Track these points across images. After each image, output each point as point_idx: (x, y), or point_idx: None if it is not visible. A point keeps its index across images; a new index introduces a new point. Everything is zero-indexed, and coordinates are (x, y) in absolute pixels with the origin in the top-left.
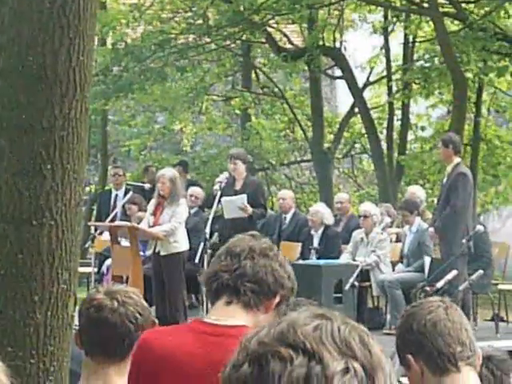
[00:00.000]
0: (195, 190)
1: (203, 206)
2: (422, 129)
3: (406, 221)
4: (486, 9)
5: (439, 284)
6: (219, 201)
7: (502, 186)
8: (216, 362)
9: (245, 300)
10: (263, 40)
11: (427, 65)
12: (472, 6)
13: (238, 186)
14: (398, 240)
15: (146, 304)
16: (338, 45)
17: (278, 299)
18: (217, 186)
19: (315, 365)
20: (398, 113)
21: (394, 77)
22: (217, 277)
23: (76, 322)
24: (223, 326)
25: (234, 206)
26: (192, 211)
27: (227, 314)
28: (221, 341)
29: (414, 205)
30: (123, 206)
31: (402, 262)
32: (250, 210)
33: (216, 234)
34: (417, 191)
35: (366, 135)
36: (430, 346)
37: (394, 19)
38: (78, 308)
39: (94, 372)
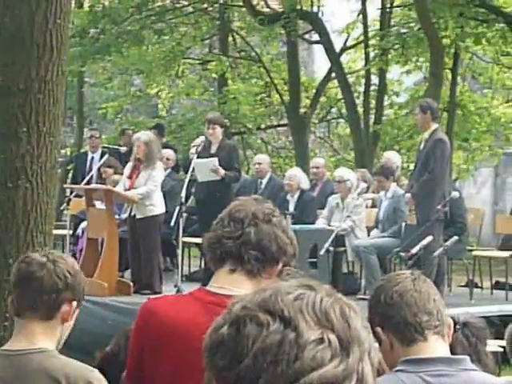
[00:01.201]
0: (167, 152)
1: (177, 167)
2: (397, 95)
3: (382, 186)
4: None
5: (414, 249)
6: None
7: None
8: None
9: (248, 268)
10: (240, 3)
11: (404, 31)
12: None
13: (213, 150)
14: (373, 205)
15: (80, 273)
16: (315, 9)
17: (280, 265)
18: (193, 150)
19: (290, 332)
20: (375, 78)
21: (371, 42)
22: (220, 243)
23: None
24: (227, 295)
25: (206, 168)
26: (165, 173)
27: (231, 283)
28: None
29: (389, 170)
30: (99, 169)
31: (377, 228)
32: (222, 172)
33: (192, 197)
34: (392, 157)
35: (342, 100)
36: (397, 316)
37: None
38: None
39: (20, 329)
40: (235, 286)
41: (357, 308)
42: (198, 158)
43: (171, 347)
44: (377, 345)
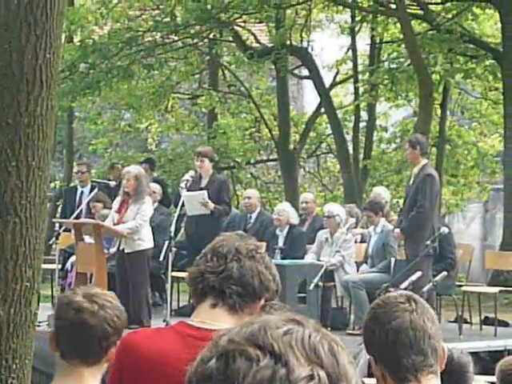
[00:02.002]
0: (152, 186)
1: (164, 201)
2: (385, 130)
3: (371, 221)
4: (453, 11)
5: (403, 285)
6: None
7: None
8: None
9: (230, 303)
10: (230, 38)
11: (394, 66)
12: (439, 7)
13: (203, 184)
14: (362, 241)
15: (122, 307)
16: (305, 44)
17: (262, 302)
18: (182, 184)
19: (280, 368)
20: (364, 114)
21: (360, 77)
22: (202, 278)
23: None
24: (208, 330)
25: (195, 201)
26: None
27: (212, 318)
28: (206, 345)
29: (378, 206)
30: (88, 204)
31: (366, 263)
32: (212, 205)
33: (181, 231)
34: (382, 192)
35: (331, 135)
36: (391, 356)
37: (361, 20)
38: (53, 310)
39: (69, 374)
40: (216, 321)
41: (342, 344)
42: (187, 191)
43: (149, 380)
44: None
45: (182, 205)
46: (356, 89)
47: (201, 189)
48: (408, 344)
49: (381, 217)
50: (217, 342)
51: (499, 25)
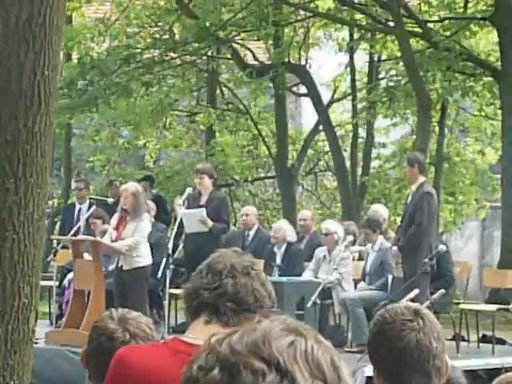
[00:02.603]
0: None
1: (164, 218)
2: (383, 146)
3: (369, 239)
4: (452, 29)
5: (401, 303)
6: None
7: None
8: None
9: (224, 319)
10: (229, 56)
11: (392, 84)
12: (437, 25)
13: (202, 201)
14: (360, 258)
15: (156, 336)
16: (303, 62)
17: (257, 318)
18: (179, 202)
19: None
20: (362, 131)
21: (358, 95)
22: (197, 294)
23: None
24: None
25: (194, 218)
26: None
27: (206, 334)
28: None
29: (376, 223)
30: (87, 220)
31: (364, 280)
32: (210, 223)
33: (179, 249)
34: (380, 209)
35: (329, 153)
36: (394, 373)
37: (360, 38)
38: (88, 331)
39: None
40: None
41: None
42: (188, 209)
43: None
44: None
45: (180, 222)
46: (354, 106)
47: (200, 206)
48: (413, 364)
49: (379, 234)
50: (215, 348)
51: (496, 41)
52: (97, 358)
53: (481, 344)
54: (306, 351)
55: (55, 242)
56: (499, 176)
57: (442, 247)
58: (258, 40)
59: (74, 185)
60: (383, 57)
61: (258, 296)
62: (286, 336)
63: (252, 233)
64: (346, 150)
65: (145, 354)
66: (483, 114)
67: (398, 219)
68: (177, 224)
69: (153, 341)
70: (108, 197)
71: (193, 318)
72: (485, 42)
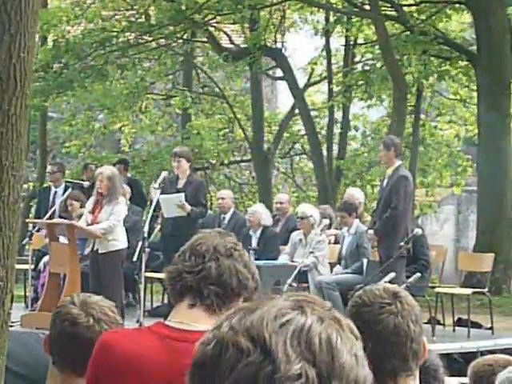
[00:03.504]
0: None
1: (140, 202)
2: (356, 129)
3: (345, 222)
4: (427, 13)
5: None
6: (158, 199)
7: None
8: (179, 369)
9: (207, 303)
10: (205, 39)
11: (368, 68)
12: (413, 9)
13: (180, 185)
14: (336, 242)
15: (119, 319)
16: (279, 45)
17: (241, 300)
18: (155, 185)
19: (267, 365)
20: (338, 115)
21: (334, 78)
22: (180, 277)
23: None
24: (186, 330)
25: (172, 203)
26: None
27: (190, 318)
28: (184, 347)
29: (352, 206)
30: (65, 203)
31: (340, 264)
32: (189, 207)
33: (155, 232)
34: (355, 193)
35: (305, 136)
36: (371, 357)
37: (336, 21)
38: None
39: (60, 382)
40: (194, 322)
41: (351, 329)
42: (164, 193)
43: (127, 380)
44: None
45: (156, 205)
46: (330, 90)
47: (177, 190)
48: (390, 349)
49: (354, 218)
50: (220, 325)
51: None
52: (60, 344)
53: (456, 327)
54: (300, 330)
55: (31, 225)
56: (470, 157)
57: (418, 231)
58: (234, 23)
59: (47, 168)
60: (359, 40)
61: (241, 278)
62: (283, 315)
63: (228, 216)
64: (320, 134)
65: (129, 339)
66: (458, 97)
67: (374, 202)
68: (152, 207)
69: (117, 324)
70: (83, 180)
71: (176, 301)
72: (456, 24)
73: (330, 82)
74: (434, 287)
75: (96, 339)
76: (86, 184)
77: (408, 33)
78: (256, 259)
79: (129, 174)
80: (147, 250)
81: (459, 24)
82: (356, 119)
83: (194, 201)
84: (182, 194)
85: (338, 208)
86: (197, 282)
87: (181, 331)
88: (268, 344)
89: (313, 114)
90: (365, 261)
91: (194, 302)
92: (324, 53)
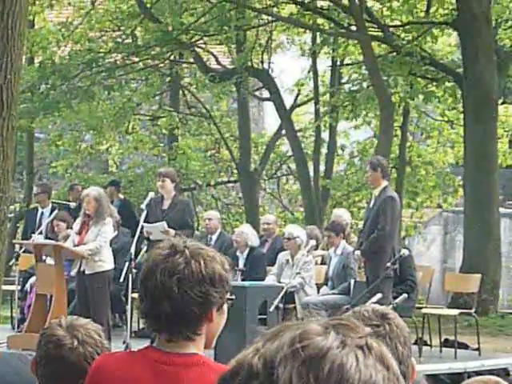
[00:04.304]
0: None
1: (131, 223)
2: (342, 149)
3: (331, 242)
4: (414, 33)
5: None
6: (144, 222)
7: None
8: None
9: (183, 337)
10: (191, 60)
11: (355, 88)
12: (400, 30)
13: (165, 206)
14: (323, 262)
15: (106, 343)
16: (266, 66)
17: (214, 310)
18: (143, 206)
19: None
20: (325, 135)
21: (321, 99)
22: (147, 320)
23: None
24: (177, 354)
25: (156, 230)
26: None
27: (174, 346)
28: (174, 371)
29: (339, 227)
30: (51, 224)
31: (326, 285)
32: (173, 232)
33: (142, 252)
34: (343, 214)
35: (292, 157)
36: None
37: (322, 42)
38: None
39: None
40: (181, 348)
41: (381, 358)
42: (147, 214)
43: None
44: None
45: (142, 228)
46: (317, 110)
47: (162, 210)
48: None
49: (341, 238)
50: (258, 343)
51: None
52: (45, 366)
53: (443, 348)
54: (312, 357)
55: (17, 246)
56: (459, 177)
57: (405, 251)
58: (221, 44)
59: (35, 189)
60: (346, 61)
61: (202, 301)
62: (301, 341)
63: (214, 237)
64: (307, 154)
65: (122, 364)
66: (445, 118)
67: (360, 223)
68: (139, 229)
69: (103, 347)
70: (70, 201)
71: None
72: (443, 45)
73: (316, 103)
74: (420, 308)
75: (81, 362)
76: (73, 205)
77: (394, 53)
78: (243, 280)
79: (121, 195)
80: (134, 270)
81: (446, 45)
82: (343, 137)
83: (180, 222)
84: (164, 223)
85: (326, 228)
86: (162, 325)
87: (171, 355)
88: (275, 369)
89: (299, 134)
90: (352, 281)
91: (169, 337)
92: (311, 73)
